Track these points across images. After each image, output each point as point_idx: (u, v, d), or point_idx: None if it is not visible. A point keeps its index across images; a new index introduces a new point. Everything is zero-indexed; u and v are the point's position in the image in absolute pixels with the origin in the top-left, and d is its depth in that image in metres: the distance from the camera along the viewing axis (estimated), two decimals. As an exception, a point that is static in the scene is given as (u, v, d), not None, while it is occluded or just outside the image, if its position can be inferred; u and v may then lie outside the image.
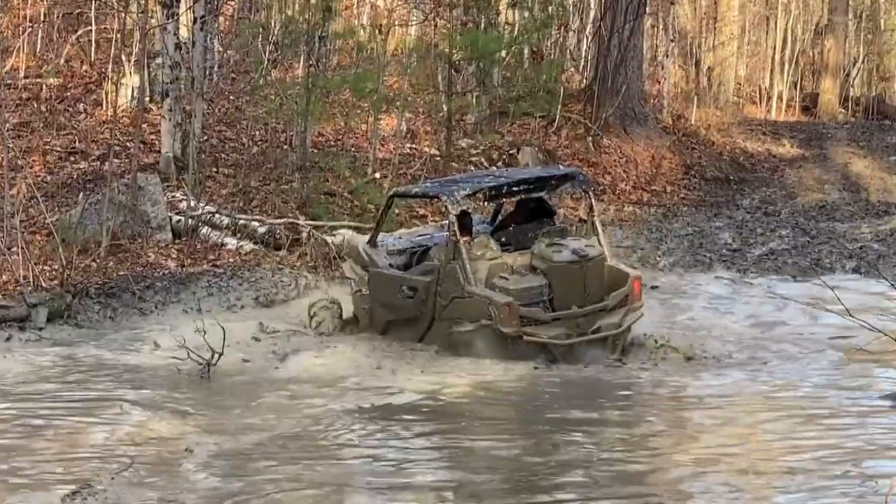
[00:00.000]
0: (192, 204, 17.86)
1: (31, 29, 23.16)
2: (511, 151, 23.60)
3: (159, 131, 20.02)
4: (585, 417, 11.31)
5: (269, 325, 14.67)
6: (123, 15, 20.67)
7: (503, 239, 14.03)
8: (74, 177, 19.17)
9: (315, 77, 19.98)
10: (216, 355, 12.67)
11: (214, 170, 19.96)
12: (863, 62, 38.16)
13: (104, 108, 21.50)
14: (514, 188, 14.01)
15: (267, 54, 23.32)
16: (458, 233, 13.31)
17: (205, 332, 12.64)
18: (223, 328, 12.82)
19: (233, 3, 26.91)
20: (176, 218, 17.82)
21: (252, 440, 10.39)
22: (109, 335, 14.53)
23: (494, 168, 21.77)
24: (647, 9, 27.12)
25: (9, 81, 21.84)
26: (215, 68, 23.59)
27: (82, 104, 21.90)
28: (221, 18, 25.70)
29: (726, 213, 23.26)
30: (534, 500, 8.98)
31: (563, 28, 27.98)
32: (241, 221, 17.92)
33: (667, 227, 21.49)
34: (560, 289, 13.27)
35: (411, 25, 25.62)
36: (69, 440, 10.50)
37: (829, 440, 10.36)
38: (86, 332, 14.66)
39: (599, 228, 14.22)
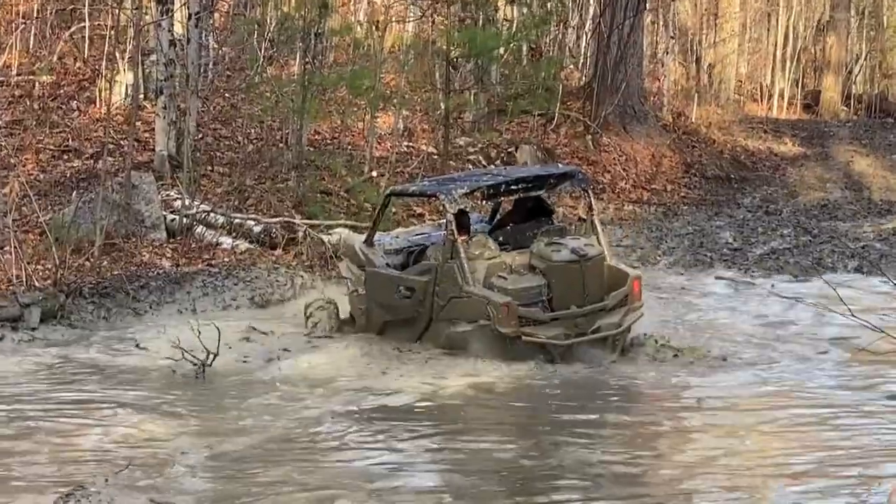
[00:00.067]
0: (187, 203, 17.86)
1: (23, 25, 23.14)
2: (509, 150, 23.60)
3: (153, 129, 20.00)
4: (584, 419, 11.31)
5: (261, 326, 14.65)
6: (117, 11, 20.68)
7: (501, 238, 14.02)
8: (68, 175, 19.15)
9: (311, 74, 19.96)
10: (211, 356, 12.67)
11: (209, 168, 19.96)
12: (865, 59, 38.16)
13: (98, 105, 21.49)
14: (513, 187, 14.00)
15: (262, 51, 23.32)
16: (455, 232, 13.30)
17: (199, 333, 12.62)
18: (218, 328, 12.82)
19: (228, -1, 26.93)
20: (170, 217, 17.80)
21: (247, 442, 10.39)
22: (103, 335, 14.51)
23: (493, 166, 21.77)
24: (647, 5, 27.12)
25: (1, 79, 21.87)
26: (210, 65, 23.58)
27: (76, 102, 21.89)
28: (216, 15, 25.70)
29: (727, 211, 23.27)
30: (532, 503, 8.99)
31: (562, 24, 27.99)
32: (237, 220, 17.91)
33: (667, 227, 21.50)
34: (559, 288, 13.27)
35: (409, 22, 25.62)
36: (62, 442, 10.50)
37: (834, 441, 10.37)
38: (79, 332, 14.64)
39: (599, 227, 14.22)
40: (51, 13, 23.83)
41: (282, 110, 20.81)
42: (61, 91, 22.17)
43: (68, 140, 20.41)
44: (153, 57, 20.77)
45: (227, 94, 23.44)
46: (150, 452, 10.04)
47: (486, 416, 11.66)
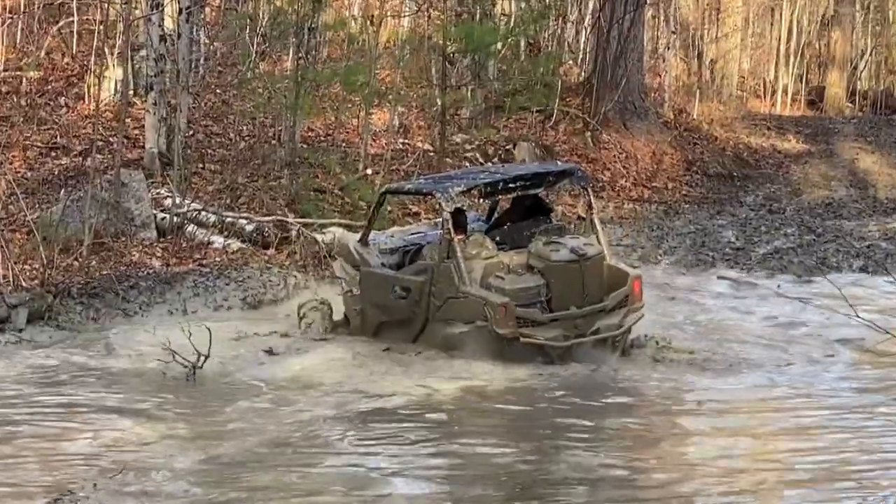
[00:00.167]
0: (178, 201, 17.84)
1: (10, 20, 23.12)
2: (507, 147, 23.59)
3: (143, 126, 19.97)
4: (585, 422, 11.29)
5: (253, 328, 14.64)
6: (106, 6, 20.64)
7: (499, 237, 14.01)
8: (56, 173, 19.13)
9: (304, 70, 19.95)
10: (202, 358, 12.65)
11: (200, 166, 19.94)
12: (870, 55, 38.17)
13: (86, 102, 21.47)
14: (511, 185, 13.99)
15: (255, 46, 23.30)
16: (452, 231, 13.28)
17: (190, 334, 12.60)
18: (209, 330, 12.80)
19: (219, -7, 26.89)
20: (161, 215, 17.79)
21: (238, 446, 10.38)
22: (92, 337, 14.49)
23: (490, 164, 21.75)
24: (648, -1, 27.16)
25: (-13, 74, 21.87)
26: (201, 61, 23.56)
27: (64, 98, 21.86)
28: (207, 9, 25.67)
29: (729, 210, 23.27)
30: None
31: (560, 19, 27.97)
32: (229, 219, 17.90)
33: (668, 225, 21.50)
34: (558, 289, 13.25)
35: (404, 16, 25.60)
36: (50, 447, 10.49)
37: (840, 445, 10.35)
38: (67, 333, 14.63)
39: (598, 226, 14.20)
40: (38, 7, 23.80)
41: (274, 107, 20.80)
42: (49, 87, 22.15)
43: (56, 137, 20.38)
44: (143, 52, 20.77)
45: (218, 91, 23.42)
46: (140, 457, 10.02)
47: (483, 419, 11.65)
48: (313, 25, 20.67)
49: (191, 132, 20.62)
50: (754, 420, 11.31)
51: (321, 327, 14.64)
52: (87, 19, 23.64)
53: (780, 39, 34.99)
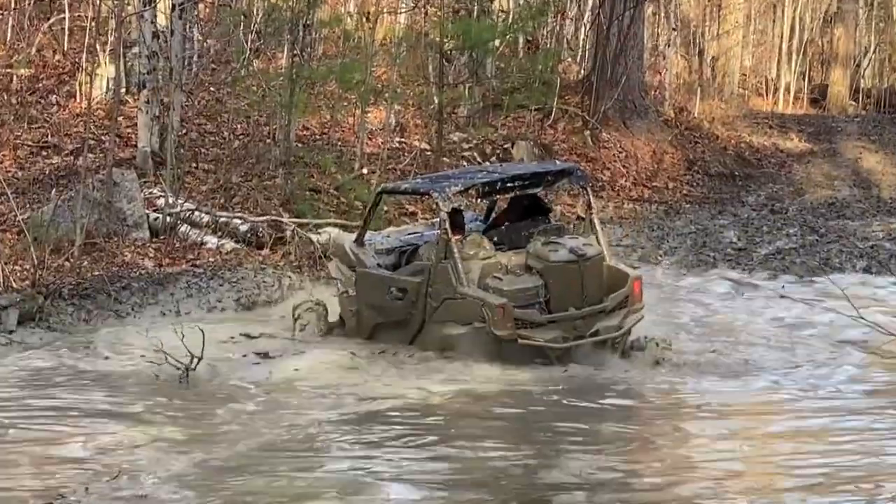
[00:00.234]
0: (171, 201, 17.84)
1: (0, 17, 23.11)
2: (505, 146, 23.61)
3: (136, 124, 19.99)
4: (583, 425, 11.28)
5: (247, 329, 14.65)
6: (98, 2, 20.63)
7: (497, 237, 14.01)
8: (47, 172, 19.14)
9: (299, 67, 19.96)
10: (195, 360, 12.65)
11: (194, 165, 19.94)
12: (874, 52, 38.19)
13: (78, 100, 21.47)
14: (509, 184, 13.99)
15: (249, 43, 23.31)
16: (449, 231, 13.28)
17: (183, 336, 12.60)
18: (202, 331, 12.80)
19: (213, -11, 26.90)
20: (153, 215, 17.79)
21: (230, 450, 10.37)
22: (83, 338, 14.48)
23: (488, 163, 21.76)
24: (648, -4, 27.18)
25: (-23, 72, 21.86)
26: (195, 58, 23.57)
27: (55, 96, 21.87)
28: (201, 6, 25.66)
29: (731, 210, 23.29)
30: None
31: (559, 16, 27.99)
32: (222, 219, 17.90)
33: (668, 225, 21.51)
34: (557, 289, 13.25)
35: (400, 13, 25.61)
36: (40, 450, 10.47)
37: (843, 449, 10.35)
38: (59, 335, 14.61)
39: (598, 226, 14.20)
40: (29, 4, 23.80)
41: (269, 105, 20.80)
42: (40, 85, 22.14)
43: (47, 136, 20.38)
44: (135, 49, 20.77)
45: (212, 88, 23.42)
46: (132, 460, 10.02)
47: (480, 422, 11.63)
48: (308, 22, 20.68)
49: (184, 131, 20.62)
50: (756, 422, 11.31)
51: (316, 329, 14.65)
52: (78, 16, 23.65)
53: (782, 36, 35.02)
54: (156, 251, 17.15)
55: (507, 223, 14.55)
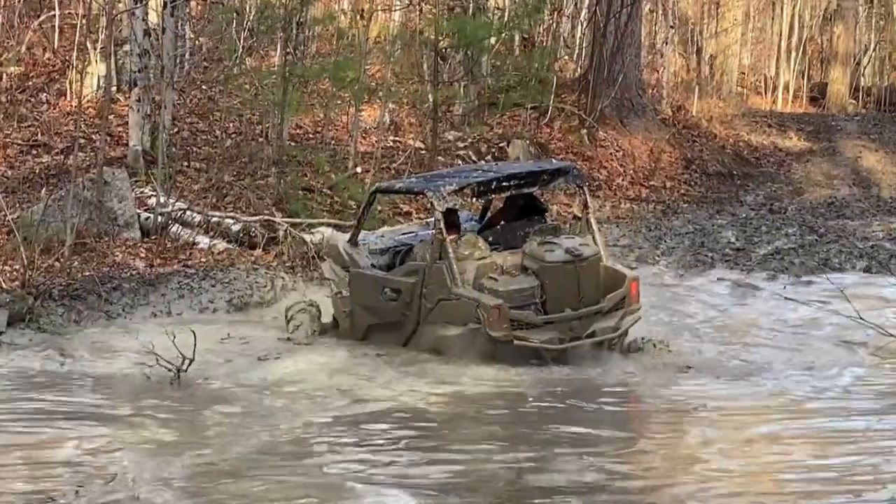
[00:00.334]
0: (162, 200, 17.84)
1: (-10, 14, 23.13)
2: (501, 144, 23.62)
3: (127, 123, 20.00)
4: (579, 428, 11.28)
5: (239, 330, 14.65)
6: (89, -1, 20.65)
7: (492, 237, 14.01)
8: (37, 171, 19.14)
9: (293, 65, 19.97)
10: (186, 361, 12.64)
11: (185, 164, 19.95)
12: (874, 50, 38.23)
13: (68, 98, 21.48)
14: (504, 183, 13.98)
15: (241, 41, 23.29)
16: (444, 231, 13.28)
17: (175, 337, 12.60)
18: (194, 332, 12.79)
19: (205, -14, 26.90)
20: (145, 215, 17.79)
21: (223, 453, 10.36)
22: (74, 339, 14.48)
23: (483, 162, 21.77)
24: (646, -7, 27.20)
25: (-34, 70, 21.85)
26: (186, 56, 23.56)
27: (45, 94, 21.87)
28: (193, 3, 25.67)
29: (729, 210, 23.30)
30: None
31: (556, 13, 28.01)
32: (214, 219, 17.90)
33: (666, 225, 21.52)
34: (553, 290, 13.25)
35: (395, 10, 25.63)
36: (30, 453, 10.46)
37: (845, 453, 10.35)
38: (49, 336, 14.60)
39: (594, 226, 14.20)
40: (19, 1, 23.79)
41: (262, 103, 20.81)
42: (30, 83, 22.15)
43: (37, 134, 20.39)
44: (127, 47, 20.78)
45: (204, 87, 23.43)
46: (123, 463, 10.02)
47: (474, 425, 11.63)
48: (301, 20, 20.69)
49: (175, 129, 20.62)
50: (756, 424, 11.30)
51: (309, 330, 14.64)
52: (68, 13, 23.65)
53: (781, 34, 35.06)
54: (147, 251, 17.14)
55: (502, 223, 14.56)
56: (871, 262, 18.46)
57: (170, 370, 12.62)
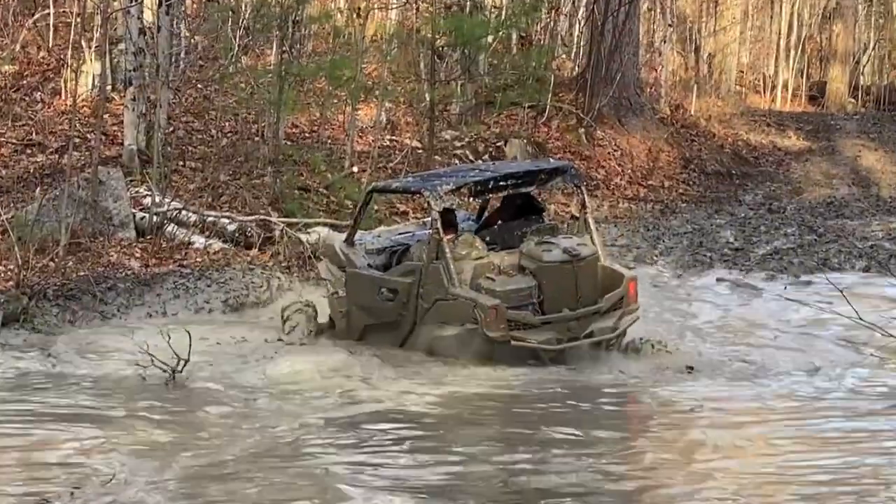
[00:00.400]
0: (158, 200, 17.82)
1: (-16, 12, 23.12)
2: (498, 144, 23.62)
3: (122, 122, 19.97)
4: (576, 429, 11.26)
5: (235, 331, 14.64)
6: (84, -3, 20.64)
7: (489, 237, 14.00)
8: (31, 171, 19.12)
9: (288, 64, 19.96)
10: (182, 362, 12.63)
11: (181, 163, 19.94)
12: (874, 49, 38.26)
13: (63, 97, 21.47)
14: (502, 183, 13.98)
15: (237, 40, 23.29)
16: (441, 231, 13.28)
17: (170, 338, 12.59)
18: (189, 333, 12.79)
19: (201, -16, 26.90)
20: (140, 215, 17.78)
21: (218, 454, 10.35)
22: (68, 340, 14.46)
23: (480, 161, 21.77)
24: (644, -9, 27.21)
25: (-40, 69, 21.84)
26: (182, 55, 23.54)
27: (39, 93, 21.85)
28: (188, 1, 25.67)
29: (728, 209, 23.31)
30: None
31: (553, 11, 28.01)
32: (210, 218, 17.89)
33: (664, 225, 21.52)
34: (550, 290, 13.24)
35: (392, 9, 25.61)
36: (24, 455, 10.46)
37: (845, 456, 10.35)
38: (43, 336, 14.60)
39: (592, 226, 14.19)
40: (13, -1, 23.81)
41: (258, 102, 20.81)
42: (24, 82, 22.13)
43: (32, 134, 20.37)
44: (122, 46, 20.75)
45: (199, 85, 23.41)
46: (117, 465, 10.01)
47: (472, 426, 11.62)
48: (298, 18, 20.69)
49: (171, 128, 20.61)
50: (756, 426, 11.30)
51: (305, 330, 14.63)
52: (63, 12, 23.64)
53: (780, 33, 35.07)
54: (142, 251, 17.14)
55: (499, 223, 14.55)
56: (870, 262, 18.46)
57: (165, 371, 12.61)
